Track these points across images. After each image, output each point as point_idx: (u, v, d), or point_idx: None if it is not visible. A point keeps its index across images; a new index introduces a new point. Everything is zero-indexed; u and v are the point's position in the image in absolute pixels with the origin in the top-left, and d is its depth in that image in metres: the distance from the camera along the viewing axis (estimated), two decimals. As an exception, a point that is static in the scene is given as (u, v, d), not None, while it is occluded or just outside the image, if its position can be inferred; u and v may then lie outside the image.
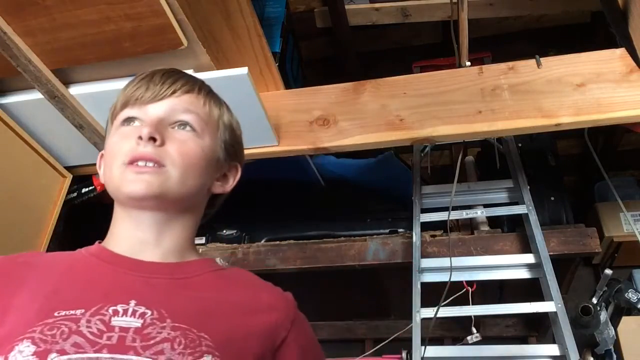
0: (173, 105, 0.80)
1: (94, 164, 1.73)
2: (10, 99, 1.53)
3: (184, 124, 0.79)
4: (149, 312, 0.69)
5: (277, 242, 2.22)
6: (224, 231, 2.32)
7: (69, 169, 1.74)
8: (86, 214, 2.19)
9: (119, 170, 0.75)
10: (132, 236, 0.78)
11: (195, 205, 0.83)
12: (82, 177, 1.86)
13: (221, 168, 0.86)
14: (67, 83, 1.47)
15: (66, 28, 1.27)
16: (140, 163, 0.74)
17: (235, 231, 2.32)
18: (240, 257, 2.18)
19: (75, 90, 1.48)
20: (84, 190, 1.90)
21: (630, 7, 1.36)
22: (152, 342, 0.66)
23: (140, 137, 0.75)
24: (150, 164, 0.74)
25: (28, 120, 1.58)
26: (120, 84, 1.43)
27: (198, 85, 0.84)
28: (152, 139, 0.75)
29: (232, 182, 0.88)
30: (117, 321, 0.67)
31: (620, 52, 1.47)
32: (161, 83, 0.80)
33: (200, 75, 1.37)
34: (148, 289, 0.73)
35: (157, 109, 0.79)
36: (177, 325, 0.69)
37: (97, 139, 1.58)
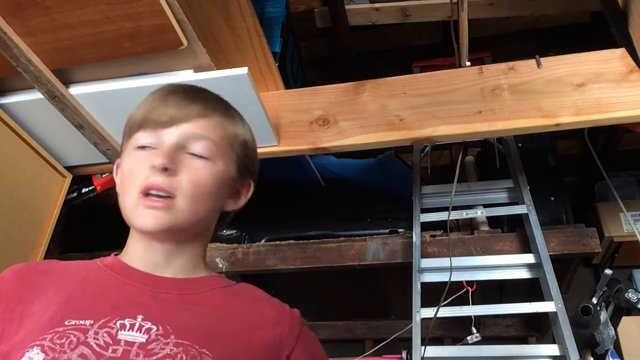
0: (187, 131, 0.79)
1: (94, 164, 1.75)
2: (10, 99, 1.53)
3: (197, 150, 0.80)
4: (154, 328, 0.71)
5: (277, 242, 2.22)
6: (224, 231, 2.31)
7: (69, 169, 1.74)
8: (86, 214, 2.19)
9: (133, 201, 0.76)
10: (143, 256, 0.81)
11: (206, 228, 0.85)
12: (82, 177, 1.86)
13: (233, 186, 0.86)
14: (67, 83, 1.47)
15: (66, 28, 1.27)
16: (153, 192, 0.76)
17: (235, 231, 2.32)
18: (240, 257, 2.18)
19: (75, 90, 1.47)
20: (84, 190, 1.91)
21: (630, 7, 1.36)
22: (154, 357, 0.68)
23: (153, 166, 0.76)
24: (162, 194, 0.76)
25: (28, 120, 1.58)
26: (120, 84, 1.45)
27: (212, 106, 0.84)
28: (165, 168, 0.76)
29: (243, 199, 0.89)
30: (123, 335, 0.69)
31: (620, 52, 1.47)
32: (176, 106, 0.80)
33: (200, 75, 1.39)
34: (156, 304, 0.75)
35: (170, 136, 0.79)
36: (180, 341, 0.70)
37: (97, 139, 1.58)
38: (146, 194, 0.76)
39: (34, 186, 1.60)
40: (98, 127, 1.56)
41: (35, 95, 1.47)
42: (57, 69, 1.41)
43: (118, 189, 0.83)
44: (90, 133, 1.56)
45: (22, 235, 1.55)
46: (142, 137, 0.80)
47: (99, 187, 1.88)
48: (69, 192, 1.77)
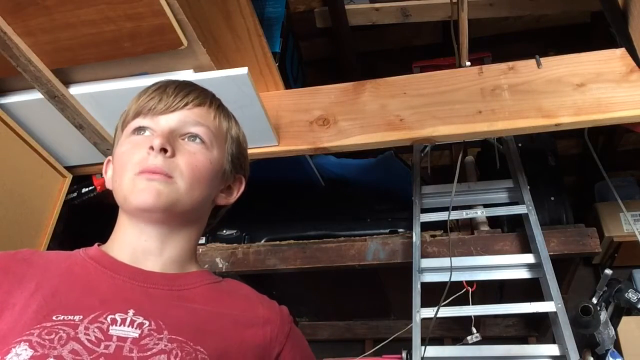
0: (184, 117, 0.81)
1: (94, 164, 1.75)
2: (10, 99, 1.52)
3: (194, 136, 0.81)
4: (147, 323, 0.69)
5: (277, 242, 2.22)
6: (224, 231, 2.32)
7: (69, 169, 1.74)
8: (86, 214, 2.19)
9: (130, 180, 0.76)
10: (135, 245, 0.79)
11: (199, 216, 0.84)
12: (82, 177, 1.85)
13: (226, 180, 0.87)
14: (67, 83, 1.46)
15: (66, 28, 1.27)
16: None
17: (235, 231, 2.32)
18: (240, 257, 2.18)
19: (75, 90, 1.47)
20: (84, 190, 1.90)
21: (630, 7, 1.36)
22: (149, 353, 0.66)
23: (151, 148, 0.76)
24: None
25: (28, 120, 1.58)
26: (120, 84, 1.45)
27: (209, 99, 0.85)
28: (163, 150, 0.76)
29: (235, 194, 0.90)
30: (115, 330, 0.67)
31: (620, 52, 1.47)
32: (174, 95, 0.81)
33: (200, 75, 1.39)
34: (147, 299, 0.73)
35: (168, 120, 0.80)
36: (174, 337, 0.69)
37: (97, 139, 1.58)
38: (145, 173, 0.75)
39: (34, 186, 1.60)
40: (98, 127, 1.56)
41: (35, 95, 1.47)
42: (57, 69, 1.41)
43: (108, 181, 0.83)
44: (90, 133, 1.56)
45: (22, 235, 1.55)
46: (139, 121, 0.80)
47: (99, 187, 1.87)
48: (69, 192, 1.77)
